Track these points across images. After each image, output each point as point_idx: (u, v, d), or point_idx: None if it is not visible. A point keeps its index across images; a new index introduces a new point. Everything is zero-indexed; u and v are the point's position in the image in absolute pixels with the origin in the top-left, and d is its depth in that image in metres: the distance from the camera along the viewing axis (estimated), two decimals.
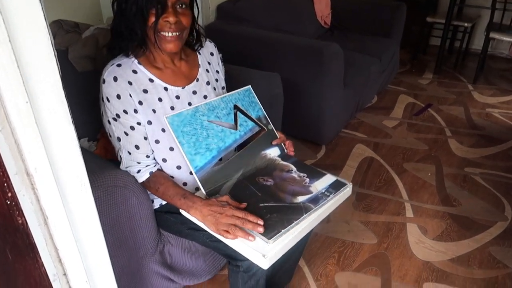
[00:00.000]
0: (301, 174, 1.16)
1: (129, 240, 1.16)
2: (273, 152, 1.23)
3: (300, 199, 1.07)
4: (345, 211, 1.96)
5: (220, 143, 1.13)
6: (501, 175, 2.25)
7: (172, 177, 1.18)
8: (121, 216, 1.11)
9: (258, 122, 1.22)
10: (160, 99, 1.13)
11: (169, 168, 1.18)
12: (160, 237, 1.28)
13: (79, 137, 1.50)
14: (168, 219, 1.24)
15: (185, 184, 1.21)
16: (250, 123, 1.21)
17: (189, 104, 1.18)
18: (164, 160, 1.17)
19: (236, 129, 1.17)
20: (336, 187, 1.11)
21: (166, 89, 1.15)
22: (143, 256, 1.23)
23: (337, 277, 1.62)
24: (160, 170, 1.18)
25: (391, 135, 2.64)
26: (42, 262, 0.75)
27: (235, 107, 1.18)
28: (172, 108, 1.15)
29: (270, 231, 0.96)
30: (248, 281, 1.14)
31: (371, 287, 1.57)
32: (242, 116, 1.19)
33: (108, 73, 1.09)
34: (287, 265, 1.37)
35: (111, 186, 1.06)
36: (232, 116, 1.17)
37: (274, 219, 0.99)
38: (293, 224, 0.98)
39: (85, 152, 1.28)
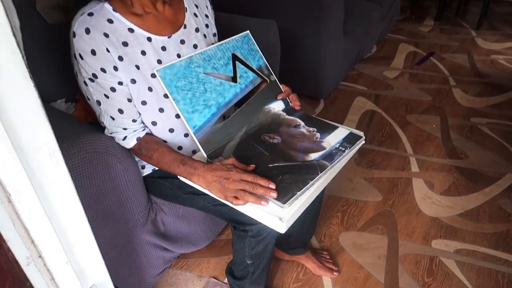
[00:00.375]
0: (311, 129, 1.04)
1: (116, 211, 1.05)
2: (277, 107, 1.10)
3: (313, 156, 0.95)
4: (347, 167, 1.86)
5: (219, 98, 1.00)
6: (509, 124, 2.15)
7: (165, 141, 1.05)
8: (104, 185, 0.99)
9: (260, 73, 1.08)
10: (143, 52, 0.97)
11: (160, 132, 1.05)
12: (151, 205, 1.17)
13: (56, 99, 1.36)
14: (163, 185, 1.13)
15: (180, 148, 1.09)
16: (251, 74, 1.07)
17: (178, 56, 1.03)
18: (154, 124, 1.03)
19: (236, 81, 1.03)
20: (350, 140, 1.00)
21: (149, 39, 0.98)
22: (133, 227, 1.13)
23: (342, 238, 1.54)
24: (149, 134, 1.04)
25: (392, 86, 2.51)
26: (8, 247, 0.64)
27: (233, 56, 1.04)
28: (159, 62, 0.99)
29: (284, 195, 0.85)
30: (256, 247, 1.05)
31: (377, 246, 1.50)
32: (242, 66, 1.05)
33: (79, 24, 0.91)
34: (307, 220, 1.29)
35: (90, 152, 0.93)
36: (231, 66, 1.03)
37: (287, 181, 0.89)
38: (309, 185, 0.88)
39: (60, 115, 1.14)
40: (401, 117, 2.22)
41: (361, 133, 1.03)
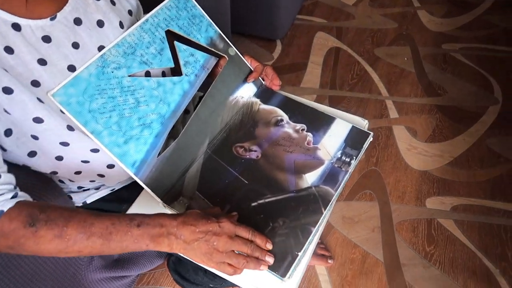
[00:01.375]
0: (298, 126, 0.75)
1: (40, 269, 0.75)
2: (246, 92, 0.79)
3: (310, 178, 0.68)
4: None
5: (161, 108, 0.66)
6: (482, 47, 1.97)
7: (87, 161, 0.69)
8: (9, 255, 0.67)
9: (213, 50, 0.74)
10: (9, 50, 0.56)
11: (80, 156, 0.68)
12: None
13: None
14: None
15: (111, 166, 0.72)
16: (201, 56, 0.72)
17: (75, 46, 0.63)
18: (65, 144, 0.64)
19: (181, 73, 0.69)
20: (355, 142, 0.73)
21: (17, 27, 0.57)
22: (74, 274, 0.84)
23: None
24: (27, 201, 0.57)
25: (354, 15, 2.21)
26: None
27: (169, 34, 0.69)
28: (43, 62, 0.59)
29: (281, 260, 0.59)
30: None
31: (369, 216, 1.32)
32: (185, 47, 0.70)
33: None
34: None
35: None
36: (168, 52, 0.68)
37: (282, 232, 0.61)
38: (312, 234, 0.61)
39: None
40: (369, 52, 1.97)
41: (365, 123, 0.77)
